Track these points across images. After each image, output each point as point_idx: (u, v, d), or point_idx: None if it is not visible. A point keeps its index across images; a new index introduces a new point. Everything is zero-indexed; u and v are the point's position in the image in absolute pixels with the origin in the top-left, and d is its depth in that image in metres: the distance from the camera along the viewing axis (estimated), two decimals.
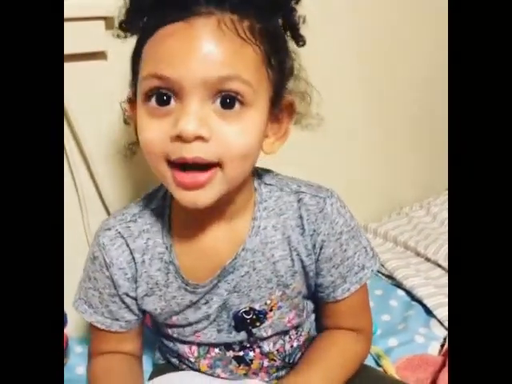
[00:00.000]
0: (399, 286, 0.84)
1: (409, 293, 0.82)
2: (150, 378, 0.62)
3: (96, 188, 0.73)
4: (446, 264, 0.85)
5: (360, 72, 0.94)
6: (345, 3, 0.87)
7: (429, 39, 0.99)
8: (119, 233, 0.54)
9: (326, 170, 0.85)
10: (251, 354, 0.58)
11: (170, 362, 0.62)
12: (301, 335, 0.60)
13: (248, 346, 0.57)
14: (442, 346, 0.71)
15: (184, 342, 0.58)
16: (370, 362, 0.66)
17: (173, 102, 0.44)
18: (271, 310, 0.55)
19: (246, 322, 0.55)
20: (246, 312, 0.55)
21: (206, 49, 0.42)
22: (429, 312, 0.77)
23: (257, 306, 0.55)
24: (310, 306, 0.60)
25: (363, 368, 0.58)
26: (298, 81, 0.52)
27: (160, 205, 0.55)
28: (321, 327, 0.61)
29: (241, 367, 0.58)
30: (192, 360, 0.59)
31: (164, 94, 0.44)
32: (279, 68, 0.48)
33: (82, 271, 0.58)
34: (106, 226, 0.54)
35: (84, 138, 0.69)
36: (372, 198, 1.03)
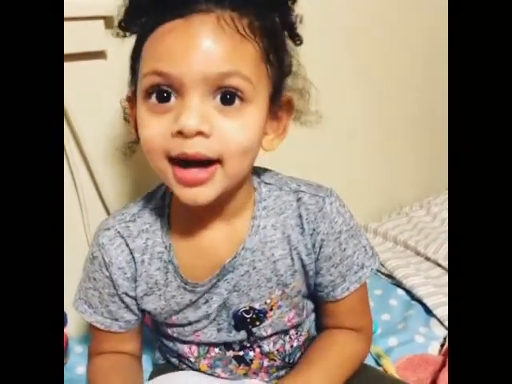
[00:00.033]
0: (399, 285, 0.84)
1: (409, 292, 0.82)
2: (150, 377, 0.62)
3: (96, 188, 0.73)
4: (445, 263, 0.85)
5: (360, 72, 0.94)
6: (345, 3, 0.87)
7: (429, 39, 0.99)
8: (118, 232, 0.54)
9: (326, 169, 0.85)
10: (251, 353, 0.58)
11: (170, 362, 0.62)
12: (301, 335, 0.60)
13: (248, 345, 0.57)
14: (442, 345, 0.71)
15: (184, 342, 0.58)
16: (370, 361, 0.66)
17: (173, 98, 0.44)
18: (271, 310, 0.55)
19: (246, 321, 0.55)
20: (245, 311, 0.55)
21: (206, 45, 0.43)
22: (429, 311, 0.77)
23: (257, 305, 0.55)
24: (309, 305, 0.60)
25: (363, 368, 0.58)
26: (297, 78, 0.52)
27: (159, 204, 0.55)
28: (321, 327, 0.61)
29: (241, 367, 0.58)
30: (192, 360, 0.59)
31: (164, 91, 0.44)
32: (278, 65, 0.48)
33: (82, 271, 0.58)
34: (106, 226, 0.54)
35: (84, 138, 0.69)
36: (372, 198, 1.03)
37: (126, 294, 0.55)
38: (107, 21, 0.63)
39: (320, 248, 0.54)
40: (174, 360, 0.61)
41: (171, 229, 0.54)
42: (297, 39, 0.50)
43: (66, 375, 0.61)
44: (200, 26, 0.43)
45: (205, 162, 0.45)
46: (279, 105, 0.50)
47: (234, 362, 0.58)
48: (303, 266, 0.55)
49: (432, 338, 0.72)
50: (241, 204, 0.53)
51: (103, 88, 0.66)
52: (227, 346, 0.57)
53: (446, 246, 0.88)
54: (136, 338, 0.59)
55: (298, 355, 0.60)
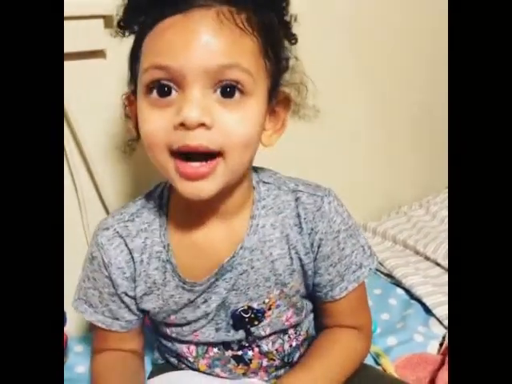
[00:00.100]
0: (398, 284, 0.84)
1: (408, 291, 0.82)
2: (149, 377, 0.62)
3: (96, 189, 0.73)
4: (445, 262, 0.85)
5: (363, 74, 0.94)
6: (348, 5, 0.87)
7: (431, 41, 0.99)
8: (117, 232, 0.54)
9: (328, 169, 0.85)
10: (250, 353, 0.58)
11: (169, 362, 0.62)
12: (300, 335, 0.60)
13: (247, 345, 0.57)
14: (441, 344, 0.71)
15: (182, 342, 0.58)
16: (369, 361, 0.66)
17: (174, 92, 0.45)
18: (269, 309, 0.55)
19: (245, 320, 0.55)
20: (244, 311, 0.55)
21: (206, 38, 0.43)
22: (428, 311, 0.77)
23: (255, 305, 0.55)
24: (309, 305, 0.60)
25: (363, 367, 0.58)
26: (295, 73, 0.52)
27: (157, 204, 0.55)
28: (320, 326, 0.61)
29: (240, 366, 0.58)
30: (191, 359, 0.59)
31: (165, 86, 0.44)
32: (276, 60, 0.48)
33: (81, 271, 0.58)
34: (104, 226, 0.54)
35: (83, 137, 0.69)
36: (372, 198, 1.03)
37: (126, 294, 0.55)
38: (107, 20, 0.63)
39: (318, 247, 0.54)
40: (173, 360, 0.61)
41: (169, 228, 0.54)
42: (292, 38, 0.51)
43: (66, 374, 0.61)
44: (200, 21, 0.43)
45: (206, 156, 0.45)
46: (277, 100, 0.50)
47: (232, 361, 0.58)
48: (302, 265, 0.55)
49: (431, 337, 0.72)
50: (239, 203, 0.53)
51: (102, 87, 0.66)
52: (226, 345, 0.57)
53: (445, 245, 0.88)
54: (138, 337, 0.59)
55: (297, 355, 0.60)
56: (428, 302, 0.77)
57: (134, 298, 0.55)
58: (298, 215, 0.53)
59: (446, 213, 0.99)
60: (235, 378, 0.59)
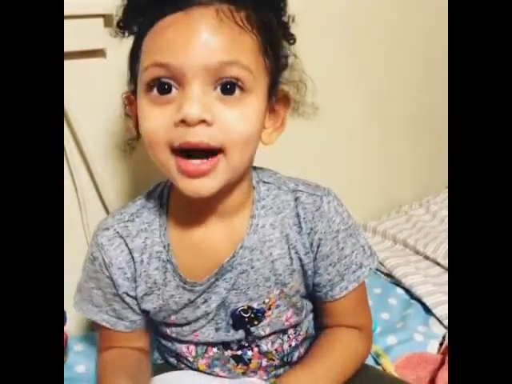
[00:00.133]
0: (398, 284, 0.84)
1: (408, 291, 0.82)
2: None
3: (96, 188, 0.73)
4: (445, 262, 0.85)
5: (360, 72, 0.94)
6: (345, 3, 0.87)
7: (429, 39, 0.99)
8: (117, 232, 0.54)
9: (327, 168, 0.85)
10: (249, 353, 0.58)
11: (168, 362, 0.62)
12: (299, 335, 0.60)
13: (246, 345, 0.57)
14: (441, 344, 0.71)
15: (182, 342, 0.58)
16: (369, 360, 0.66)
17: (174, 90, 0.45)
18: (269, 309, 0.55)
19: (244, 320, 0.55)
20: (243, 310, 0.55)
21: (206, 36, 0.43)
22: (428, 310, 0.77)
23: (255, 305, 0.55)
24: (309, 305, 0.60)
25: (363, 366, 0.58)
26: (294, 71, 0.52)
27: (157, 203, 0.55)
28: (321, 326, 0.61)
29: (239, 366, 0.58)
30: (190, 359, 0.59)
31: (165, 84, 0.45)
32: (275, 58, 0.49)
33: (82, 271, 0.58)
34: (104, 226, 0.54)
35: (83, 137, 0.69)
36: (372, 197, 1.03)
37: (127, 294, 0.55)
38: (107, 19, 0.63)
39: (318, 247, 0.54)
40: (173, 360, 0.61)
41: (170, 228, 0.54)
42: (290, 38, 0.51)
43: (66, 374, 0.61)
44: (200, 19, 0.44)
45: (208, 153, 0.45)
46: (276, 98, 0.51)
47: (232, 361, 0.58)
48: (302, 265, 0.55)
49: (431, 337, 0.72)
50: (239, 203, 0.53)
51: (102, 86, 0.66)
52: (225, 345, 0.57)
53: (445, 244, 0.88)
54: (143, 335, 0.59)
55: (296, 355, 0.60)
56: (428, 301, 0.77)
57: (135, 298, 0.55)
58: (298, 215, 0.53)
59: (446, 212, 0.99)
60: (235, 377, 0.59)
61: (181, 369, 0.61)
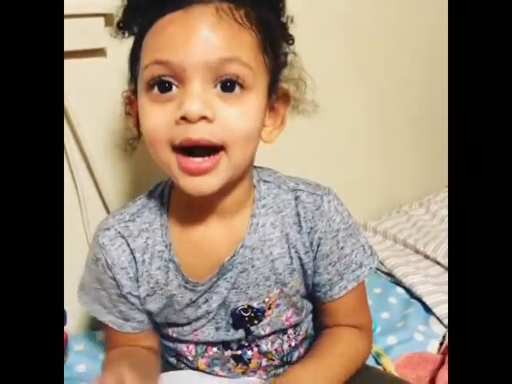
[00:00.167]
0: (398, 283, 0.84)
1: (408, 290, 0.82)
2: None
3: (96, 186, 0.73)
4: (445, 261, 0.85)
5: (360, 72, 0.94)
6: (345, 3, 0.87)
7: (429, 39, 0.99)
8: (119, 232, 0.53)
9: (327, 168, 0.85)
10: (249, 353, 0.58)
11: (168, 362, 0.62)
12: (299, 335, 0.60)
13: (246, 344, 0.57)
14: (441, 343, 0.71)
15: (182, 341, 0.58)
16: (369, 360, 0.65)
17: (175, 88, 0.45)
18: (269, 308, 0.55)
19: (244, 319, 0.55)
20: (243, 310, 0.55)
21: (206, 33, 0.44)
22: (428, 310, 0.77)
23: (255, 304, 0.55)
24: (309, 305, 0.60)
25: (363, 366, 0.58)
26: (293, 68, 0.53)
27: (158, 203, 0.55)
28: (320, 326, 0.61)
29: (239, 366, 0.58)
30: (190, 358, 0.59)
31: (166, 82, 0.45)
32: (274, 56, 0.49)
33: (83, 270, 0.58)
34: (105, 226, 0.54)
35: (83, 136, 0.69)
36: (372, 197, 1.03)
37: (131, 294, 0.54)
38: (107, 18, 0.63)
39: (318, 246, 0.54)
40: (172, 359, 0.61)
41: (171, 227, 0.54)
42: (289, 39, 0.52)
43: (66, 373, 0.61)
44: (199, 17, 0.44)
45: (209, 151, 0.45)
46: (276, 97, 0.51)
47: (232, 361, 0.58)
48: (301, 264, 0.55)
49: (431, 337, 0.72)
50: (240, 202, 0.53)
51: (103, 85, 0.66)
52: (225, 345, 0.57)
53: (445, 244, 0.88)
54: (152, 335, 0.58)
55: (296, 355, 0.60)
56: (428, 301, 0.77)
57: (138, 297, 0.55)
58: (298, 214, 0.53)
59: (446, 212, 0.99)
60: (235, 377, 0.59)
61: (180, 368, 0.60)
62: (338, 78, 0.88)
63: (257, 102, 0.46)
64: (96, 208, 0.73)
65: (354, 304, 0.57)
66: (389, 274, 0.87)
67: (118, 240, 0.53)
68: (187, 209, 0.52)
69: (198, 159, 0.45)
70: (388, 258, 0.88)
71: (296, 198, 0.54)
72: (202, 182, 0.46)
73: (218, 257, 0.53)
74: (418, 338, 0.72)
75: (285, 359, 0.59)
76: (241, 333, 0.56)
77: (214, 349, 0.58)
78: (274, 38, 0.49)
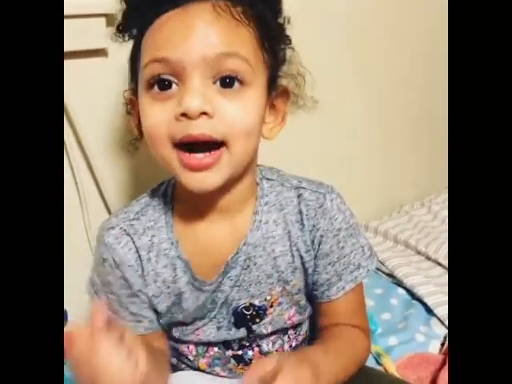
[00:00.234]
0: (400, 284, 0.84)
1: (409, 291, 0.82)
2: None
3: (96, 183, 0.73)
4: (446, 262, 0.85)
5: (360, 72, 0.94)
6: (345, 3, 0.87)
7: (429, 39, 0.99)
8: (124, 230, 0.53)
9: (327, 168, 0.85)
10: (250, 353, 0.57)
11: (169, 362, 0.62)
12: (299, 335, 0.59)
13: (247, 344, 0.57)
14: (443, 344, 0.71)
15: (183, 341, 0.58)
16: (370, 360, 0.65)
17: (174, 86, 0.45)
18: (271, 306, 0.55)
19: (246, 318, 0.55)
20: (245, 308, 0.55)
21: (204, 29, 0.44)
22: (429, 310, 0.77)
23: (257, 302, 0.55)
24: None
25: (363, 367, 0.58)
26: (292, 64, 0.53)
27: (162, 202, 0.55)
28: (317, 327, 0.60)
29: (240, 366, 0.58)
30: (191, 358, 0.58)
31: (165, 80, 0.45)
32: (272, 52, 0.49)
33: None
34: (109, 225, 0.54)
35: (84, 135, 0.69)
36: (373, 197, 1.03)
37: (141, 292, 0.54)
38: (108, 18, 0.63)
39: (319, 245, 0.53)
40: (173, 360, 0.61)
41: (175, 225, 0.54)
42: (286, 40, 0.52)
43: (66, 373, 0.61)
44: (197, 14, 0.44)
45: (210, 146, 0.45)
46: (276, 94, 0.51)
47: (232, 361, 0.58)
48: (303, 263, 0.55)
49: (432, 337, 0.72)
50: (243, 199, 0.53)
51: (104, 85, 0.66)
52: (226, 345, 0.57)
53: (446, 245, 0.88)
54: (162, 337, 0.57)
55: None
56: (429, 301, 0.77)
57: (147, 295, 0.54)
58: (301, 212, 0.53)
59: (447, 213, 1.00)
60: (236, 377, 0.59)
61: (181, 369, 0.60)
62: (338, 78, 0.88)
63: (256, 98, 0.47)
64: (96, 206, 0.73)
65: (351, 305, 0.57)
66: (390, 275, 0.87)
67: (123, 238, 0.53)
68: (190, 207, 0.52)
69: (200, 155, 0.45)
70: (389, 259, 0.88)
71: (299, 196, 0.54)
72: (204, 178, 0.46)
73: (221, 254, 0.53)
74: (419, 338, 0.72)
75: None
76: (242, 332, 0.56)
77: (215, 349, 0.58)
78: (271, 35, 0.49)
